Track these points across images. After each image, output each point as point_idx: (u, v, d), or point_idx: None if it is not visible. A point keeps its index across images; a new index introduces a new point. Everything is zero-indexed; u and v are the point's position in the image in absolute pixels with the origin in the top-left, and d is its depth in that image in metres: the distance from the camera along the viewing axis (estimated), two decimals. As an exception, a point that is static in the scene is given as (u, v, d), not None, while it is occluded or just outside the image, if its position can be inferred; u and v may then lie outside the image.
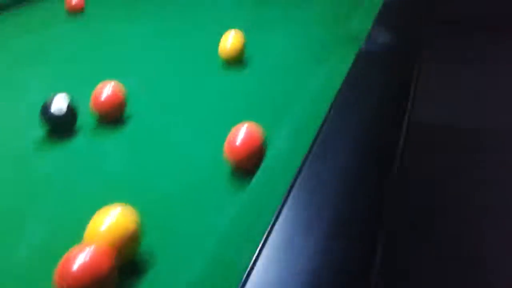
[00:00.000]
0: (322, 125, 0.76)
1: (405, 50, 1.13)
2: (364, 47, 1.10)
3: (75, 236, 0.62)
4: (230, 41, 1.30)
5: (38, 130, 0.99)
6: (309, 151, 0.69)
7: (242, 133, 0.81)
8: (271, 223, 0.55)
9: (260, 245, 0.51)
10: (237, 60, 1.32)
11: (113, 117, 1.03)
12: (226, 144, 0.82)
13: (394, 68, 1.04)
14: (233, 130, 0.83)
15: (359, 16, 1.37)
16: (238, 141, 0.80)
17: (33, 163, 0.92)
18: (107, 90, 1.01)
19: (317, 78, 1.03)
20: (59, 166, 0.90)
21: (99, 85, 1.03)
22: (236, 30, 1.33)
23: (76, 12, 1.85)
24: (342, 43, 1.22)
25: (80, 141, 0.98)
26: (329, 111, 0.81)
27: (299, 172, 0.64)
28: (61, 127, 0.98)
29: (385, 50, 1.14)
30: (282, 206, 0.58)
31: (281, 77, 1.23)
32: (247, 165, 0.78)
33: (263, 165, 0.72)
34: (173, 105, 1.15)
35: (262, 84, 1.21)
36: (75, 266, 0.54)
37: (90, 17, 1.86)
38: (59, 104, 0.96)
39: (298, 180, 0.62)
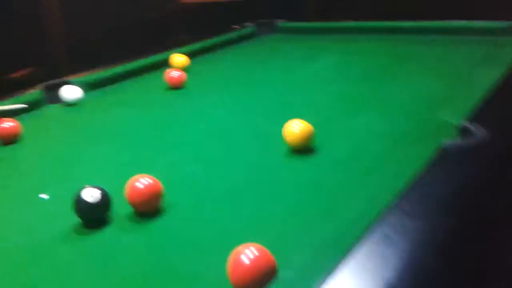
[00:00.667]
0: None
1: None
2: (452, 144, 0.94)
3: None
4: (296, 128, 1.20)
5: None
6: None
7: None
8: None
9: None
10: (304, 148, 1.20)
11: (148, 208, 0.98)
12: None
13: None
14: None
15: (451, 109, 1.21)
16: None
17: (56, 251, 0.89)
18: (141, 182, 0.97)
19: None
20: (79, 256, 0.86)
21: (134, 177, 0.99)
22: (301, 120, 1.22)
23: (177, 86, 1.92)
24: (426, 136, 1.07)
25: (106, 233, 0.92)
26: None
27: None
28: (93, 216, 0.95)
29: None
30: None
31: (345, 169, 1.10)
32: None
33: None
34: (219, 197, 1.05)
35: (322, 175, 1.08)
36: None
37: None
38: (93, 192, 0.93)
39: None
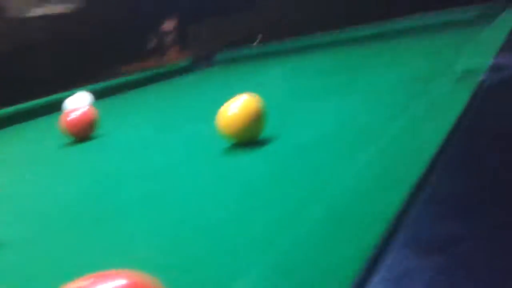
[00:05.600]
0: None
1: None
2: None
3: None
4: (234, 110, 0.79)
5: None
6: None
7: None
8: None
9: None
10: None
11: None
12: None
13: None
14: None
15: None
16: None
17: None
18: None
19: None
20: None
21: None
22: (249, 94, 0.83)
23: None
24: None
25: None
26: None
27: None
28: None
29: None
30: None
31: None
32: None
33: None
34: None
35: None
36: None
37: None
38: None
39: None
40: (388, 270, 0.29)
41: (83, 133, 1.14)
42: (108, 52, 3.30)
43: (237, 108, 0.82)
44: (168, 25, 4.21)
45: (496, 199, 0.36)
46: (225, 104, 0.84)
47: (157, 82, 2.20)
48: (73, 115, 1.12)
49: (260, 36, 2.69)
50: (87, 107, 1.17)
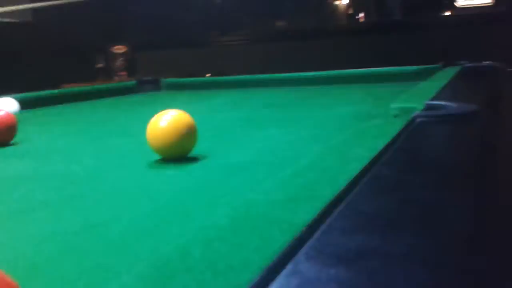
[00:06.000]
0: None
1: None
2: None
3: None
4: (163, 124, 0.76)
5: None
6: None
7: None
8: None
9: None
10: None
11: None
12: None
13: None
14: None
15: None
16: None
17: None
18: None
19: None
20: None
21: None
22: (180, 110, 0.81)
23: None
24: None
25: None
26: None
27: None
28: None
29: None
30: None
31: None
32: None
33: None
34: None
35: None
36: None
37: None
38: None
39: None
40: (288, 279, 0.26)
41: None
42: (52, 66, 3.20)
43: (166, 121, 0.79)
44: (119, 49, 4.15)
45: (408, 218, 0.34)
46: (155, 117, 0.81)
47: (98, 98, 2.12)
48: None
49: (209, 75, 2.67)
50: (4, 112, 1.08)
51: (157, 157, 0.81)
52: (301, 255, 0.28)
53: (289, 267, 0.27)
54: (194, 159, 0.80)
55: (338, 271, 0.26)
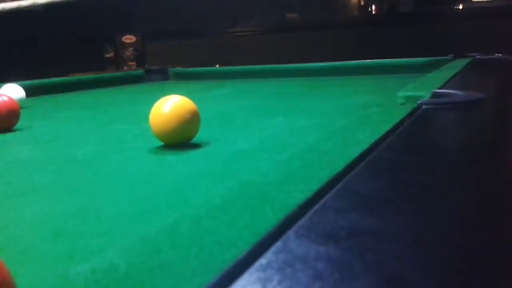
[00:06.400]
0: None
1: None
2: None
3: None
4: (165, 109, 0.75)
5: None
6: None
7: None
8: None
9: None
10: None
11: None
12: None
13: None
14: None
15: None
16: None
17: None
18: None
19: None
20: None
21: None
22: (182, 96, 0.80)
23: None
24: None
25: None
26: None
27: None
28: None
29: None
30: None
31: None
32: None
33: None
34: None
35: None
36: None
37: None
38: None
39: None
40: (276, 256, 0.25)
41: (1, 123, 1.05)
42: (61, 55, 3.20)
43: (168, 107, 0.78)
44: (128, 39, 4.14)
45: (404, 199, 0.33)
46: (158, 102, 0.80)
47: (105, 87, 2.12)
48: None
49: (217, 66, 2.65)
50: (6, 97, 1.07)
51: (159, 143, 0.81)
52: (291, 233, 0.27)
53: (278, 244, 0.26)
54: (196, 146, 0.79)
55: (328, 249, 0.25)
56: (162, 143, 0.80)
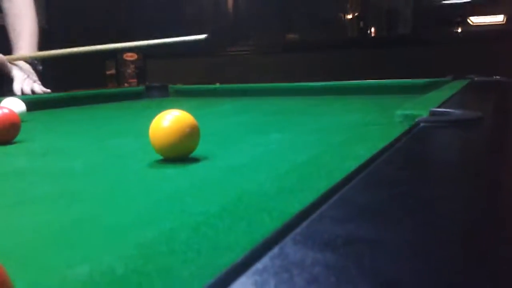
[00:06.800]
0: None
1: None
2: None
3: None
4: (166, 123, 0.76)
5: None
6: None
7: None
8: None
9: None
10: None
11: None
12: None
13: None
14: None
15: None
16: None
17: None
18: None
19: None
20: None
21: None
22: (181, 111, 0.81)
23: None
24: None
25: None
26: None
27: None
28: None
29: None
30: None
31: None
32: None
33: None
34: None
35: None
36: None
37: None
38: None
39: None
40: (272, 261, 0.25)
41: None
42: (62, 71, 3.22)
43: (168, 121, 0.79)
44: (129, 56, 4.18)
45: (402, 211, 0.33)
46: (157, 117, 0.81)
47: (105, 102, 2.13)
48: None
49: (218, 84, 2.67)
50: (7, 110, 1.07)
51: (158, 157, 0.81)
52: (288, 239, 0.27)
53: (275, 250, 0.26)
54: (195, 160, 0.80)
55: (325, 255, 0.25)
56: (161, 157, 0.81)
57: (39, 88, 1.98)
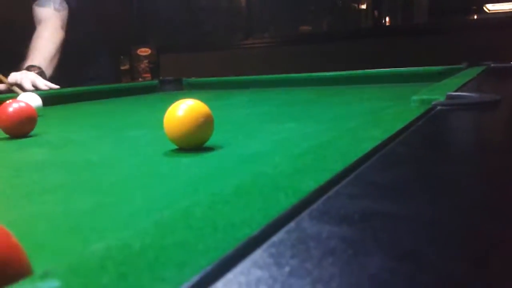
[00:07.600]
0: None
1: None
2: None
3: None
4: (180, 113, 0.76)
5: None
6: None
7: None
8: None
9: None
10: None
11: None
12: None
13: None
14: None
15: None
16: None
17: None
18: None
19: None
20: None
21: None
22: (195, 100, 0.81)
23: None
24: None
25: None
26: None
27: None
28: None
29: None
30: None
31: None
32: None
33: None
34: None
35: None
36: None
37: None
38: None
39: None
40: (289, 234, 0.25)
41: (16, 129, 1.06)
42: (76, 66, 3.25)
43: (182, 110, 0.79)
44: (143, 51, 4.20)
45: (419, 188, 0.33)
46: (172, 106, 0.81)
47: (120, 96, 2.15)
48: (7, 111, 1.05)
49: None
50: (24, 103, 1.08)
51: (173, 147, 0.81)
52: (304, 215, 0.27)
53: (291, 224, 0.26)
54: (210, 149, 0.80)
55: (342, 229, 0.25)
56: (176, 147, 0.81)
57: (41, 83, 1.99)
